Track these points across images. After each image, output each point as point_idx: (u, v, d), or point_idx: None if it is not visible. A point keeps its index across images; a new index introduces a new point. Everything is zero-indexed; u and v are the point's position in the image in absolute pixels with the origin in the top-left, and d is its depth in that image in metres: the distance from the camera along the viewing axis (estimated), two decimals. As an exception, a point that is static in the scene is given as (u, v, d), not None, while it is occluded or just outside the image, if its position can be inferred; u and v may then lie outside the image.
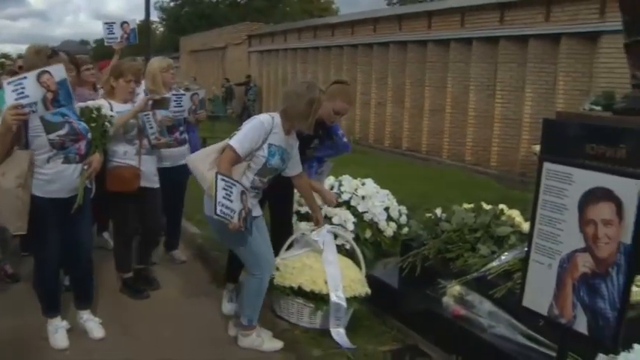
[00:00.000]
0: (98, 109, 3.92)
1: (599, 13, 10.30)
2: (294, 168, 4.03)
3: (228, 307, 4.43)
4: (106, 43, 6.28)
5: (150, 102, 4.66)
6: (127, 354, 3.87)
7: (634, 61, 4.51)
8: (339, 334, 3.87)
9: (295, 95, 3.72)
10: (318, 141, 4.39)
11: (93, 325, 4.07)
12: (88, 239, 4.06)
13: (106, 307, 4.53)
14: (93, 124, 3.84)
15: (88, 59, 5.67)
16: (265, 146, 3.67)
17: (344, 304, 3.85)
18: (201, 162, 3.71)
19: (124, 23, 6.40)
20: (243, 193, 3.51)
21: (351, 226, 4.90)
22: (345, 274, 4.00)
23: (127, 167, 4.53)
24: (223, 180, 3.41)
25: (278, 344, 3.93)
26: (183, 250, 5.85)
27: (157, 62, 5.33)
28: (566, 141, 4.51)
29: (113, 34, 6.30)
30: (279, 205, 4.51)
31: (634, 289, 3.11)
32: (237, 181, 3.52)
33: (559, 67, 10.99)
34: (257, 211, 3.92)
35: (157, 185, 4.81)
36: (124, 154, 4.52)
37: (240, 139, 3.63)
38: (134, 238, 4.87)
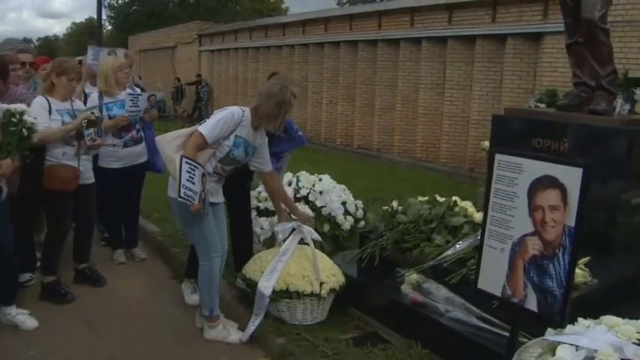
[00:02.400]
0: (21, 113, 3.87)
1: (542, 14, 10.70)
2: (265, 165, 4.10)
3: (192, 298, 4.50)
4: (88, 67, 6.17)
5: (84, 122, 4.53)
6: (92, 351, 3.90)
7: (575, 60, 4.78)
8: (253, 323, 3.98)
9: (267, 95, 3.80)
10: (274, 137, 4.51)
11: (24, 317, 4.09)
12: (4, 238, 3.99)
13: (69, 305, 4.56)
14: (12, 128, 3.81)
15: (30, 57, 5.55)
16: (232, 137, 3.78)
17: (268, 294, 3.95)
18: (169, 144, 3.80)
19: (110, 52, 6.38)
20: (203, 175, 3.66)
21: (310, 221, 5.01)
22: (322, 266, 4.15)
23: (66, 167, 4.49)
24: (187, 163, 3.56)
25: (243, 335, 4.01)
26: (143, 248, 5.87)
27: (110, 61, 5.32)
28: (514, 136, 4.79)
29: (97, 61, 6.26)
30: (236, 202, 4.61)
31: (577, 271, 3.35)
32: (200, 164, 3.65)
33: (505, 66, 11.35)
34: (219, 198, 4.04)
35: (92, 181, 4.82)
36: (63, 154, 4.48)
37: (210, 128, 3.71)
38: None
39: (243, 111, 3.84)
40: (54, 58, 5.97)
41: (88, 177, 4.77)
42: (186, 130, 3.89)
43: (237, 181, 4.24)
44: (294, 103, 3.87)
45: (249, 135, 3.87)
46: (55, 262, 4.68)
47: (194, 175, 3.57)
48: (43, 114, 4.30)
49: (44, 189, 4.42)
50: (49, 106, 4.44)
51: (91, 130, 4.63)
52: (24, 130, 3.87)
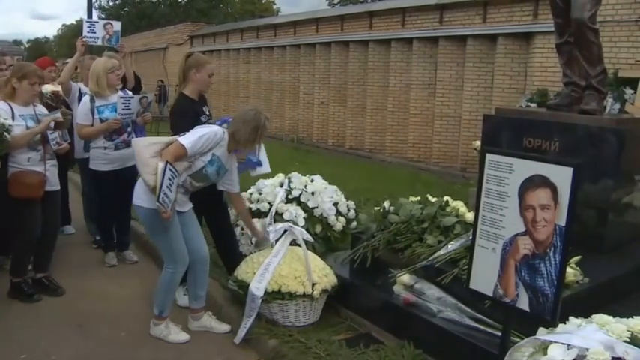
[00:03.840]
0: None
1: (532, 14, 10.74)
2: (234, 187, 4.26)
3: (184, 300, 4.49)
4: (85, 41, 6.19)
5: (52, 123, 4.52)
6: (84, 354, 3.89)
7: (565, 60, 4.81)
8: (245, 325, 4.01)
9: (242, 122, 3.98)
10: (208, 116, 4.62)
11: None
12: None
13: (60, 307, 4.56)
14: None
15: (9, 60, 5.52)
16: (209, 154, 3.89)
17: (260, 295, 3.98)
18: (145, 148, 3.82)
19: (107, 24, 6.37)
20: (178, 185, 3.76)
21: (301, 222, 5.01)
22: (314, 267, 4.17)
23: (32, 173, 4.45)
24: (170, 170, 3.62)
25: (184, 336, 4.10)
26: (135, 251, 5.85)
27: (102, 63, 5.30)
28: (505, 135, 4.80)
29: (94, 33, 6.24)
30: (212, 211, 4.61)
31: (568, 270, 3.37)
32: (179, 174, 3.74)
33: (496, 66, 11.39)
34: (186, 206, 4.09)
35: (57, 188, 4.77)
36: (28, 160, 4.45)
37: (193, 141, 3.79)
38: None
39: (224, 132, 3.96)
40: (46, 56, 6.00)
41: (55, 183, 4.71)
42: (164, 139, 3.94)
43: (212, 196, 4.30)
44: (199, 75, 4.26)
45: (224, 156, 3.99)
46: (24, 266, 4.70)
47: (172, 183, 3.65)
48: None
49: (10, 197, 4.38)
50: (12, 111, 4.39)
51: (56, 134, 4.59)
52: (5, 133, 3.93)
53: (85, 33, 6.19)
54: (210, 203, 4.41)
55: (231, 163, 4.14)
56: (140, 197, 3.90)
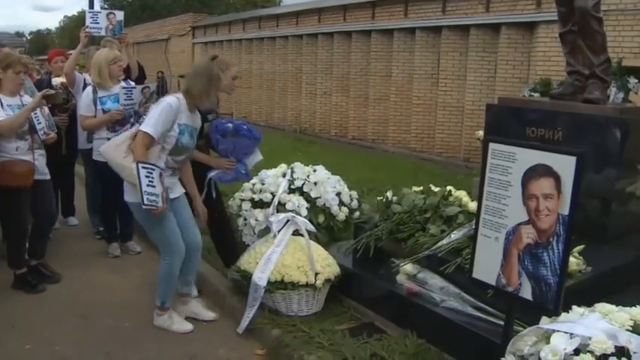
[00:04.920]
0: None
1: (535, 3, 10.69)
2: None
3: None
4: (88, 32, 6.21)
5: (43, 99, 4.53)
6: (88, 344, 3.90)
7: (568, 49, 4.78)
8: (248, 315, 4.03)
9: (194, 75, 3.92)
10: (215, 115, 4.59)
11: None
12: None
13: (64, 298, 4.57)
14: None
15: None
16: (175, 126, 3.80)
17: (262, 285, 3.99)
18: (115, 151, 3.81)
19: (109, 14, 6.35)
20: (160, 174, 3.69)
21: (304, 212, 5.01)
22: (317, 257, 4.17)
23: (20, 162, 4.45)
24: (144, 168, 3.56)
25: (188, 326, 4.12)
26: (138, 242, 5.85)
27: (103, 54, 5.30)
28: (508, 125, 4.79)
29: (97, 23, 6.23)
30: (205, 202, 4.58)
31: (571, 259, 3.36)
32: (155, 165, 3.67)
33: (499, 55, 11.35)
34: (178, 192, 4.06)
35: (47, 177, 4.76)
36: (17, 149, 4.45)
37: (153, 124, 3.70)
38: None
39: (178, 98, 3.85)
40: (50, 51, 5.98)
41: (44, 172, 4.71)
42: (128, 133, 3.93)
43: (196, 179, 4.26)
44: (223, 77, 4.07)
45: (189, 119, 3.91)
46: (21, 256, 4.72)
47: (153, 177, 3.60)
48: None
49: None
50: (0, 101, 4.39)
51: (44, 123, 4.59)
52: None
53: (87, 24, 6.19)
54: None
55: (198, 121, 4.05)
56: (129, 193, 3.86)
